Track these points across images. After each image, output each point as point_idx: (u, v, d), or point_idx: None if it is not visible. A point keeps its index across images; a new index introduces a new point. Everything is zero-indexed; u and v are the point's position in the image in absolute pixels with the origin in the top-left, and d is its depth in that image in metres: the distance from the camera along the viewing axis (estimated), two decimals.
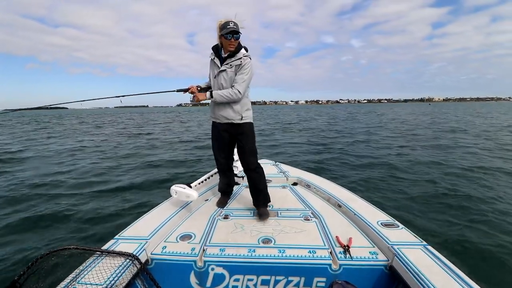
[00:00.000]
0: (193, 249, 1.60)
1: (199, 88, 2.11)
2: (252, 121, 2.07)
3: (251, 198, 2.12)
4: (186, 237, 1.73)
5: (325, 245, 1.59)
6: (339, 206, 2.06)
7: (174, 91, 2.19)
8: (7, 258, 2.58)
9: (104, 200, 4.04)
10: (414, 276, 1.23)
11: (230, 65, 1.90)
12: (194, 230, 1.80)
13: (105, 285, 1.20)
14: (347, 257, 1.48)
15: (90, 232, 3.05)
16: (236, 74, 1.90)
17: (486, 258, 2.33)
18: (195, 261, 1.53)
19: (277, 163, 3.31)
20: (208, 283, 1.52)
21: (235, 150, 2.19)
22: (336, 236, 1.66)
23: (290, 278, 1.49)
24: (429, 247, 1.44)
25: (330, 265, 1.46)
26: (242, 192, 2.51)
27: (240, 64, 1.88)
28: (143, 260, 1.46)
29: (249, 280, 1.51)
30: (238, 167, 2.63)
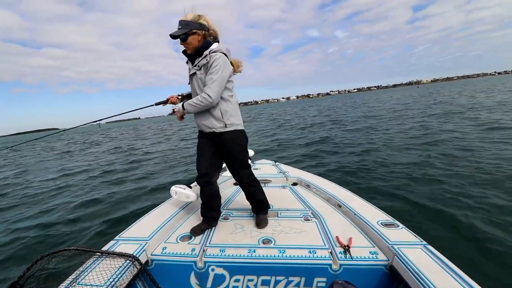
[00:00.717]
0: (193, 249, 1.60)
1: (180, 97, 1.90)
2: (241, 128, 1.80)
3: None
4: (186, 237, 1.73)
5: (325, 245, 1.59)
6: (339, 206, 2.06)
7: (152, 105, 1.98)
8: (8, 258, 2.58)
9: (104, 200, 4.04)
10: (415, 276, 1.23)
11: (198, 66, 1.67)
12: None
13: (105, 286, 1.21)
14: (347, 257, 1.48)
15: (90, 232, 3.05)
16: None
17: (487, 257, 2.33)
18: (195, 262, 1.53)
19: (276, 163, 3.31)
20: (209, 284, 1.52)
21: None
22: (336, 236, 1.66)
23: (290, 278, 1.49)
24: (429, 247, 1.44)
25: (330, 265, 1.46)
26: (242, 193, 2.51)
27: (207, 62, 1.62)
28: (143, 261, 1.46)
29: (249, 280, 1.51)
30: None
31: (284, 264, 1.49)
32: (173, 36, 1.62)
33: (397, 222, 1.72)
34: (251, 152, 3.35)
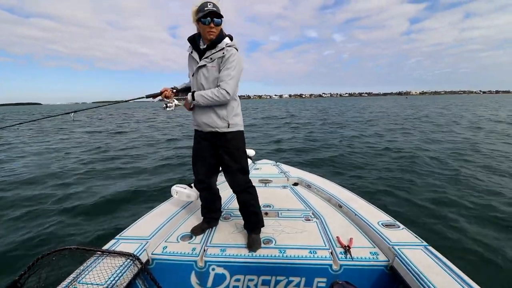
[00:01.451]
0: (193, 249, 1.60)
1: (174, 91, 1.75)
2: (242, 128, 1.68)
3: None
4: (186, 237, 1.73)
5: (325, 246, 1.59)
6: (340, 206, 2.06)
7: (143, 97, 1.81)
8: (9, 257, 2.58)
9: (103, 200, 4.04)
10: (415, 277, 1.23)
11: (211, 58, 1.52)
12: None
13: (105, 285, 1.21)
14: (347, 257, 1.48)
15: (91, 232, 3.05)
16: (219, 70, 1.52)
17: (487, 258, 2.33)
18: (195, 261, 1.53)
19: (277, 163, 3.30)
20: (209, 283, 1.52)
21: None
22: (337, 237, 1.66)
23: (290, 278, 1.49)
24: (430, 248, 1.44)
25: (330, 265, 1.46)
26: None
27: (223, 56, 1.50)
28: (143, 260, 1.46)
29: (249, 280, 1.51)
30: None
31: (284, 264, 1.49)
32: (213, 13, 1.44)
33: (397, 222, 1.72)
34: (251, 152, 3.35)
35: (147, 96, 1.76)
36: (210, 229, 1.83)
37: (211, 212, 1.87)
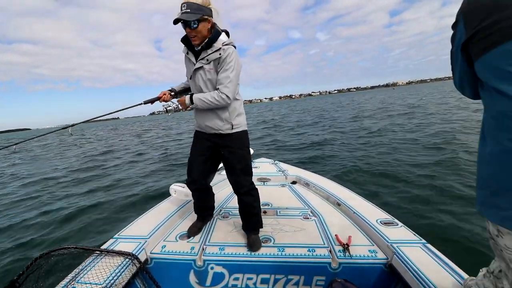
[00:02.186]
0: (192, 248, 1.60)
1: (172, 93, 1.71)
2: (245, 128, 1.65)
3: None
4: (185, 236, 1.73)
5: (324, 244, 1.60)
6: (338, 204, 2.07)
7: (141, 104, 1.77)
8: (7, 257, 2.57)
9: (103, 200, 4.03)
10: (413, 274, 1.23)
11: (207, 59, 1.44)
12: None
13: (104, 285, 1.20)
14: (346, 255, 1.49)
15: (89, 232, 3.05)
16: (217, 72, 1.46)
17: (486, 255, 2.34)
18: (194, 260, 1.53)
19: (276, 161, 3.30)
20: (208, 282, 1.52)
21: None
22: (336, 235, 1.67)
23: (289, 277, 1.49)
24: (428, 245, 1.44)
25: (329, 263, 1.47)
26: None
27: (220, 57, 1.42)
28: (142, 260, 1.46)
29: (248, 279, 1.52)
30: None
31: (283, 263, 1.49)
32: (181, 22, 1.35)
33: (396, 220, 1.73)
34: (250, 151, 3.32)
35: (145, 102, 1.74)
36: (209, 228, 1.83)
37: (206, 210, 1.87)
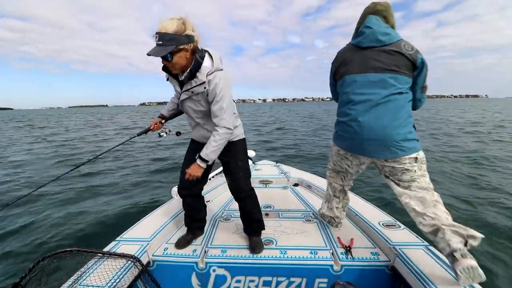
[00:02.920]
0: (194, 250, 1.60)
1: (163, 121, 1.71)
2: (243, 136, 1.62)
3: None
4: None
5: (326, 246, 1.59)
6: None
7: (134, 136, 1.81)
8: (10, 259, 2.58)
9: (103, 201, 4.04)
10: (416, 277, 1.23)
11: (192, 91, 1.35)
12: None
13: (106, 287, 1.21)
14: (348, 257, 1.48)
15: (91, 234, 3.05)
16: (207, 101, 1.36)
17: (489, 258, 2.33)
18: (196, 263, 1.53)
19: (278, 164, 3.31)
20: (210, 285, 1.52)
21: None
22: (338, 237, 1.66)
23: (291, 279, 1.49)
24: (431, 247, 1.43)
25: (331, 266, 1.46)
26: None
27: (207, 90, 1.31)
28: (144, 262, 1.46)
29: (250, 281, 1.51)
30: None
31: (285, 265, 1.49)
32: (153, 55, 1.21)
33: (398, 222, 1.72)
34: (252, 153, 3.34)
35: (138, 134, 1.79)
36: (211, 230, 1.83)
37: (196, 222, 1.75)
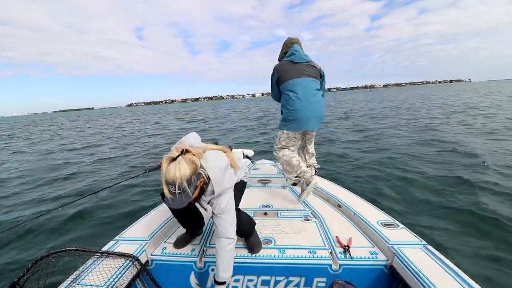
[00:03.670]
0: (193, 249, 1.60)
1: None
2: (246, 180, 1.59)
3: (250, 198, 2.06)
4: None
5: (325, 245, 1.60)
6: (339, 206, 2.07)
7: (145, 172, 1.89)
8: (9, 261, 2.57)
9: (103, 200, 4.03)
10: (414, 276, 1.23)
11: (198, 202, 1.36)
12: None
13: (105, 287, 1.21)
14: (347, 257, 1.49)
15: (90, 234, 3.05)
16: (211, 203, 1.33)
17: (487, 258, 2.34)
18: (195, 262, 1.53)
19: (276, 163, 3.31)
20: (208, 284, 1.53)
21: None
22: (336, 236, 1.67)
23: (290, 279, 1.49)
24: (429, 247, 1.44)
25: (330, 265, 1.47)
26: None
27: (211, 204, 1.32)
28: (143, 261, 1.46)
29: (249, 280, 1.51)
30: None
31: (284, 264, 1.49)
32: (178, 207, 1.14)
33: (397, 222, 1.73)
34: (250, 152, 3.34)
35: (150, 170, 1.87)
36: (210, 229, 1.83)
37: (194, 223, 1.71)
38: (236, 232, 1.41)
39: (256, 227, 1.66)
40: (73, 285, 1.21)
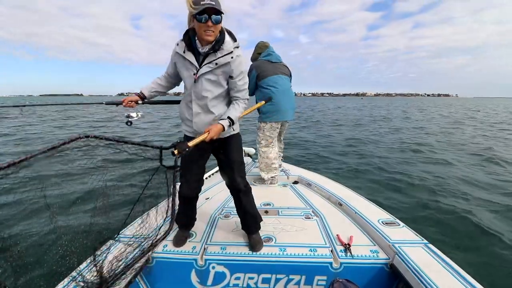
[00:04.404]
0: (194, 247, 1.60)
1: (140, 102, 1.57)
2: (239, 131, 1.63)
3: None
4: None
5: (326, 244, 1.59)
6: (340, 204, 2.06)
7: (102, 103, 1.70)
8: None
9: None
10: (415, 274, 1.23)
11: (216, 63, 1.31)
12: (195, 228, 1.80)
13: (105, 285, 1.21)
14: (348, 255, 1.48)
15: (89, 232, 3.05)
16: (226, 79, 1.37)
17: (488, 256, 2.33)
18: (196, 260, 1.53)
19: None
20: (209, 282, 1.53)
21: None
22: (337, 235, 1.66)
23: (291, 277, 1.49)
24: (430, 245, 1.44)
25: (331, 263, 1.47)
26: None
27: (232, 61, 1.31)
28: (144, 259, 1.46)
29: (250, 278, 1.52)
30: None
31: (284, 262, 1.49)
32: (213, 10, 1.18)
33: (398, 220, 1.72)
34: (252, 150, 3.33)
35: (107, 103, 1.67)
36: (210, 227, 1.83)
37: (192, 220, 1.77)
38: (242, 216, 1.67)
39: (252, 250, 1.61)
40: (73, 282, 1.21)
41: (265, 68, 2.45)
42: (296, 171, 2.92)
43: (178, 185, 1.59)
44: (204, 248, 1.60)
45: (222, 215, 2.00)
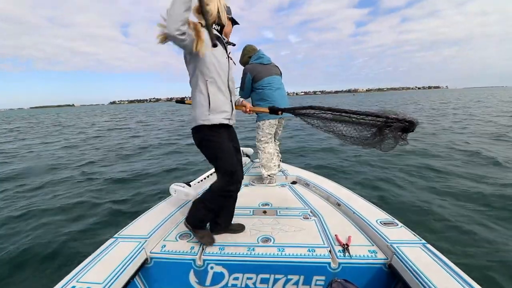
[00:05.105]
0: (192, 247, 1.60)
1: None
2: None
3: (249, 196, 2.07)
4: (185, 235, 1.73)
5: (324, 244, 1.60)
6: (338, 204, 2.07)
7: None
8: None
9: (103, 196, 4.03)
10: (413, 275, 1.23)
11: (229, 53, 1.67)
12: None
13: (104, 284, 1.20)
14: (346, 255, 1.49)
15: (88, 231, 3.04)
16: None
17: (486, 256, 2.35)
18: (194, 260, 1.53)
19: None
20: (208, 282, 1.52)
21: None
22: (335, 235, 1.67)
23: (289, 277, 1.49)
24: (429, 246, 1.44)
25: (329, 263, 1.47)
26: (242, 190, 2.51)
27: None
28: (142, 259, 1.46)
29: (248, 278, 1.51)
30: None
31: (283, 263, 1.49)
32: (233, 19, 1.68)
33: (396, 221, 1.73)
34: (250, 150, 3.33)
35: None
36: (209, 227, 1.83)
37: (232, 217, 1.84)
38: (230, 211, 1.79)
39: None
40: (71, 283, 1.21)
41: (259, 70, 2.62)
42: (295, 171, 2.92)
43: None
44: (203, 248, 1.59)
45: None
